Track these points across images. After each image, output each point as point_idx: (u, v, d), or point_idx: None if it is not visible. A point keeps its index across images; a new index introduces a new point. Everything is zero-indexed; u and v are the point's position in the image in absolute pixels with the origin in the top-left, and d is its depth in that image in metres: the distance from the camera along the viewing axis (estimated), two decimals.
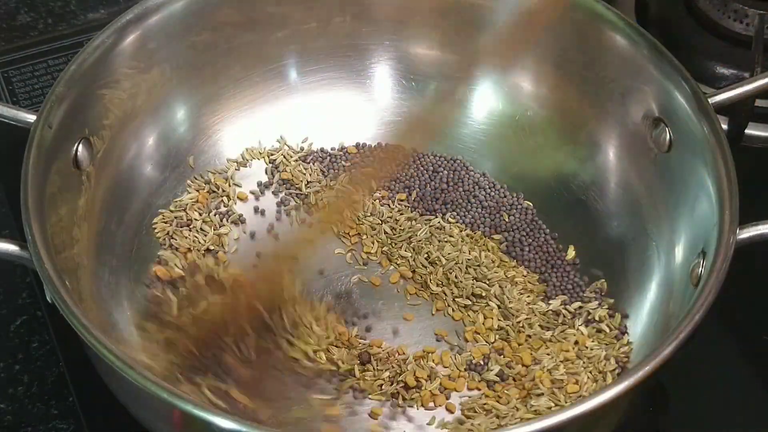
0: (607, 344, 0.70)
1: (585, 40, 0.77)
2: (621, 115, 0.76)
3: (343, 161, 0.81)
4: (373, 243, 0.76)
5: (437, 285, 0.74)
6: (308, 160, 0.81)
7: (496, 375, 0.69)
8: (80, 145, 0.70)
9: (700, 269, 0.65)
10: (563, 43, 0.79)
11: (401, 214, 0.78)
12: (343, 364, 0.69)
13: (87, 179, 0.71)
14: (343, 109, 0.83)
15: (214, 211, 0.77)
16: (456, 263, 0.75)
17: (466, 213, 0.78)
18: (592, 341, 0.70)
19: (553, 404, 0.67)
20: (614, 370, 0.69)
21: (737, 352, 0.75)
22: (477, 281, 0.74)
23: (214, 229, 0.76)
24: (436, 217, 0.78)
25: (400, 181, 0.80)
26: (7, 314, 0.75)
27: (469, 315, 0.72)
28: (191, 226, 0.76)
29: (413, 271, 0.75)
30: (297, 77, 0.83)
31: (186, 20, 0.77)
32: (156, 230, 0.75)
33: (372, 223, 0.77)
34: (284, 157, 0.81)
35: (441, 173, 0.80)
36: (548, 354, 0.69)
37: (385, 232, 0.77)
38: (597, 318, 0.72)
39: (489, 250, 0.76)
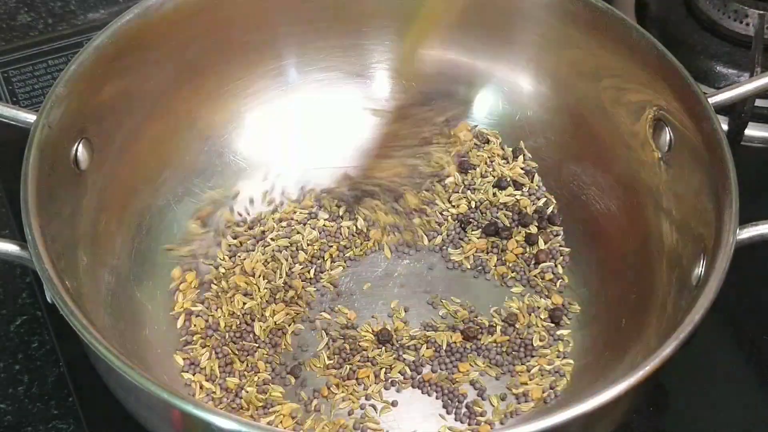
0: None
1: (585, 40, 0.77)
2: (621, 115, 0.76)
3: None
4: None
5: None
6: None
7: None
8: (80, 145, 0.70)
9: (700, 269, 0.65)
10: (563, 43, 0.79)
11: None
12: None
13: (87, 179, 0.71)
14: (343, 109, 0.83)
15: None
16: None
17: None
18: None
19: None
20: None
21: (737, 352, 0.75)
22: None
23: None
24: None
25: None
26: (7, 314, 0.75)
27: None
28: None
29: None
30: (297, 77, 0.83)
31: (186, 20, 0.77)
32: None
33: None
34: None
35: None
36: None
37: None
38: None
39: None
